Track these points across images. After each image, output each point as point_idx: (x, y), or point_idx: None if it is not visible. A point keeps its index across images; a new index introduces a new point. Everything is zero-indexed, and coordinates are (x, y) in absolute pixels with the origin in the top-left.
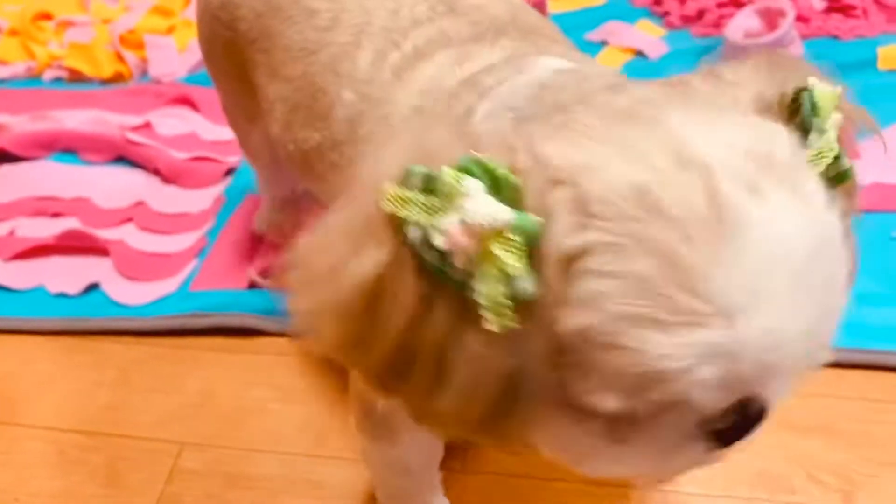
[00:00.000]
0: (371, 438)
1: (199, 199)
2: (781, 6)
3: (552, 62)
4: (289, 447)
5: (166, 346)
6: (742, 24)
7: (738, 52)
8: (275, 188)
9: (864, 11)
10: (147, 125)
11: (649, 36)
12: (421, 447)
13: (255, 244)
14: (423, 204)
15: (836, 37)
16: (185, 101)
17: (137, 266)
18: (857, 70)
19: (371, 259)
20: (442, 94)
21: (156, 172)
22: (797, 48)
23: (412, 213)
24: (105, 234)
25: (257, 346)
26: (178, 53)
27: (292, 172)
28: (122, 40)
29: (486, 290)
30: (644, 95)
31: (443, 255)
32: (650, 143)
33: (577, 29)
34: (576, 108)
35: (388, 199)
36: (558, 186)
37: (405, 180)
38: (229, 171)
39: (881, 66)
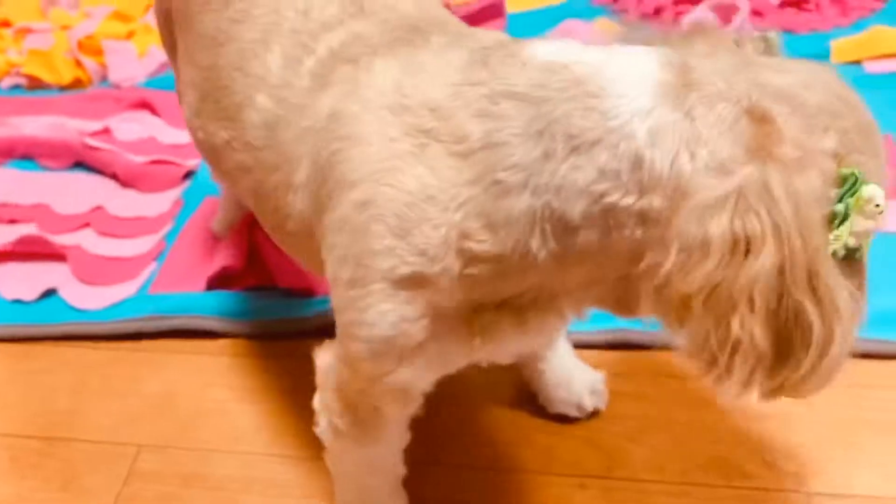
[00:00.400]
0: (353, 442)
1: (158, 203)
2: (735, 2)
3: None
4: (247, 447)
5: (124, 350)
6: (697, 20)
7: None
8: None
9: (818, 5)
10: (106, 130)
11: (607, 34)
12: (399, 441)
13: (214, 246)
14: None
15: (791, 31)
16: (145, 106)
17: (95, 270)
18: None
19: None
20: (446, 112)
21: (114, 177)
22: None
23: (842, 238)
24: (62, 239)
25: (215, 347)
26: (137, 58)
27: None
28: (81, 46)
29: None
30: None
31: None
32: (824, 90)
33: (535, 28)
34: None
35: (834, 242)
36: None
37: (833, 223)
38: (188, 175)
39: (834, 59)
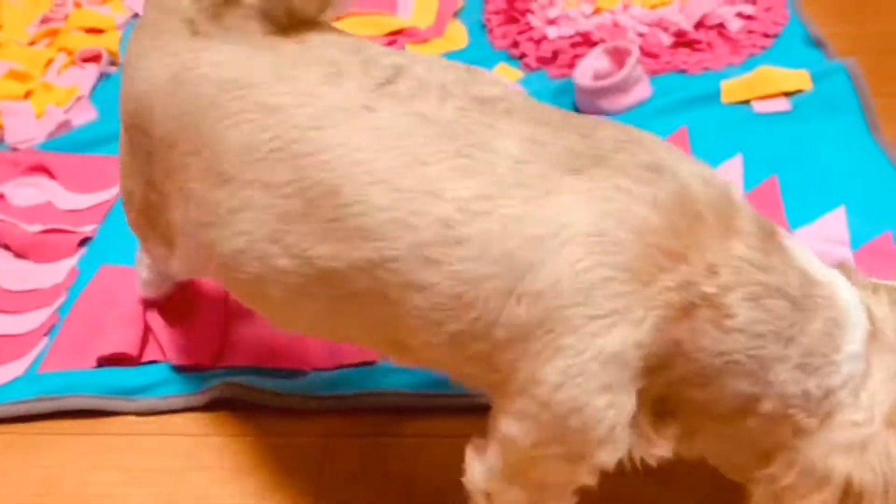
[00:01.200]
0: None
1: (52, 273)
2: (627, 46)
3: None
4: None
5: (11, 433)
6: (591, 65)
7: (587, 94)
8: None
9: (710, 44)
10: (1, 197)
11: (506, 79)
12: None
13: (107, 319)
14: None
15: (684, 71)
16: (42, 169)
17: None
18: (703, 104)
19: None
20: (725, 282)
21: (7, 248)
22: (645, 86)
23: None
24: None
25: (103, 426)
26: (35, 119)
27: (268, 293)
28: None
29: None
30: None
31: None
32: None
33: None
34: None
35: None
36: None
37: None
38: (84, 241)
39: (724, 99)
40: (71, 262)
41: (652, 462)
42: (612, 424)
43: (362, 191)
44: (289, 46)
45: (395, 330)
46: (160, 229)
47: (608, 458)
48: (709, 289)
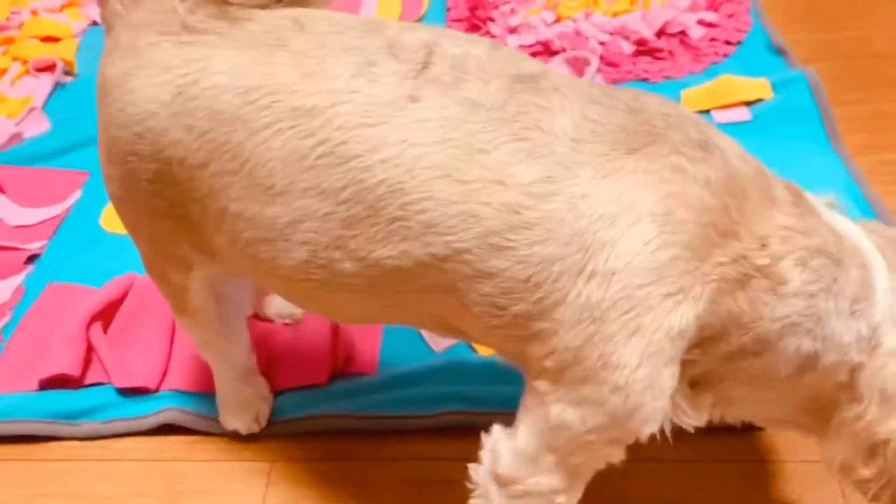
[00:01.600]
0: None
1: None
2: (587, 55)
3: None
4: None
5: None
6: None
7: None
8: (233, 347)
9: (671, 53)
10: None
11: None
12: None
13: (52, 340)
14: None
15: (645, 79)
16: None
17: None
18: None
19: None
20: (776, 252)
21: None
22: None
23: None
24: None
25: (45, 451)
26: None
27: (326, 299)
28: None
29: None
30: None
31: None
32: None
33: None
34: None
35: None
36: None
37: None
38: (31, 259)
39: None
40: (17, 280)
41: (689, 428)
42: (670, 394)
43: (427, 186)
44: (298, 38)
45: (454, 317)
46: (177, 254)
47: (650, 430)
48: (761, 260)
